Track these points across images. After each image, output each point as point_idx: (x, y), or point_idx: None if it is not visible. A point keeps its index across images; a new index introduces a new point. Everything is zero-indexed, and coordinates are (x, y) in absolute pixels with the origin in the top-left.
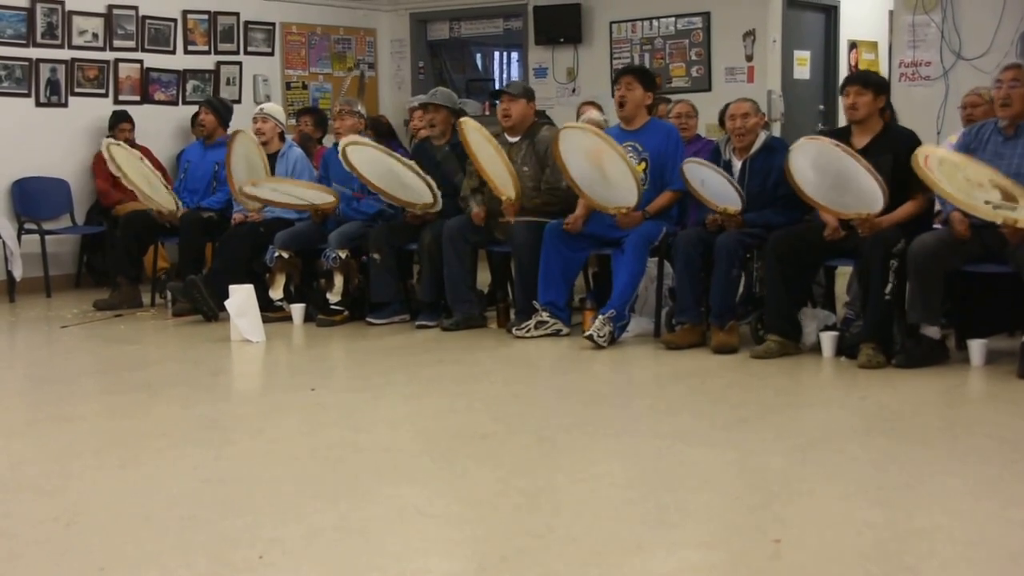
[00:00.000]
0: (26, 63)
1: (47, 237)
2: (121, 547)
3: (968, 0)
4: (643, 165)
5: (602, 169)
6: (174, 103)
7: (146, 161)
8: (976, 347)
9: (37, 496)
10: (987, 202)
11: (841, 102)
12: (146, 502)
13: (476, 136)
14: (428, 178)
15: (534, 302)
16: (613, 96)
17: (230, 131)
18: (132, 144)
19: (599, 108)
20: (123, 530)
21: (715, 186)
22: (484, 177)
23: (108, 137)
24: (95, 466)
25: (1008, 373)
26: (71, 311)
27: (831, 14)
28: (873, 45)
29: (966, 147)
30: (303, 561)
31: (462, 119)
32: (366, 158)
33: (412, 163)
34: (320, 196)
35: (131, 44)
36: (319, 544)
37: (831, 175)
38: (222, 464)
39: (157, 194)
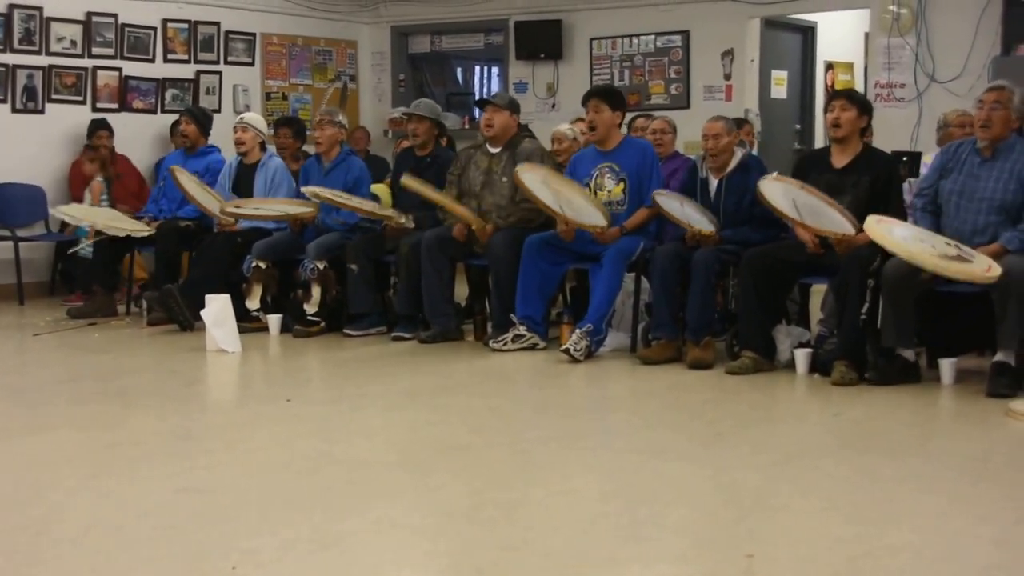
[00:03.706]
0: (3, 69)
1: (21, 244)
2: (93, 558)
3: (942, 24)
4: (621, 185)
5: (563, 196)
6: (152, 111)
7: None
8: (947, 366)
9: (7, 506)
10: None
11: (822, 119)
12: (119, 512)
13: (417, 185)
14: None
15: (511, 315)
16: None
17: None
18: (112, 152)
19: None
20: (95, 540)
21: (690, 212)
22: (450, 209)
23: (86, 146)
24: (67, 476)
25: (978, 392)
26: (44, 319)
27: (808, 35)
28: (849, 66)
29: (943, 167)
30: (277, 573)
31: (403, 177)
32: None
33: (373, 204)
34: (301, 209)
35: (110, 52)
36: (293, 556)
37: (803, 204)
38: (196, 475)
39: (123, 223)
